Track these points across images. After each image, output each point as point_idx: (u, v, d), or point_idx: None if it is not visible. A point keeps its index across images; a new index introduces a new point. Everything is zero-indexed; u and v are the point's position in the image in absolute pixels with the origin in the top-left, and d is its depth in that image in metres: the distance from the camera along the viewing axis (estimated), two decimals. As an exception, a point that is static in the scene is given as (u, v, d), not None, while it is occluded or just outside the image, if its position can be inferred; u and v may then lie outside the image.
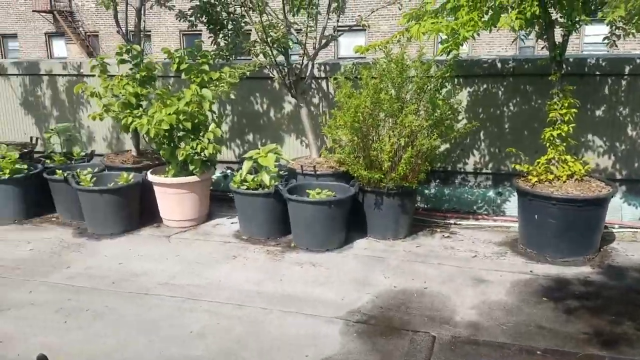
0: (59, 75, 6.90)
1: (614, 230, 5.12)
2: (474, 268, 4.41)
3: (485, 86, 5.54)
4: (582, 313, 3.69)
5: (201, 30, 5.89)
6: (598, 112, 5.26)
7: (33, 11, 23.96)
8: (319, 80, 6.05)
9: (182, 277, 4.29)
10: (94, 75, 5.70)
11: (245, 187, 5.11)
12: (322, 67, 5.98)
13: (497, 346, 3.33)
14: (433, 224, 5.43)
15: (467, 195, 5.72)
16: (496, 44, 19.67)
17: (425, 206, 5.84)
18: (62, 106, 6.98)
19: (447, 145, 5.70)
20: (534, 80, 5.33)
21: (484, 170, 5.72)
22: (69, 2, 24.14)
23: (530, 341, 3.37)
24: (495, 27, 4.11)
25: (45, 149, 6.39)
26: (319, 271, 4.41)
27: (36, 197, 5.69)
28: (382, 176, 4.88)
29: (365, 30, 20.43)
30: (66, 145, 6.46)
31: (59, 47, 25.15)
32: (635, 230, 5.11)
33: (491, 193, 5.65)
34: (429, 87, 4.91)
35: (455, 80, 5.52)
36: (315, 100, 6.11)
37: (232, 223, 5.49)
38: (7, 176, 5.46)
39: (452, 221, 5.51)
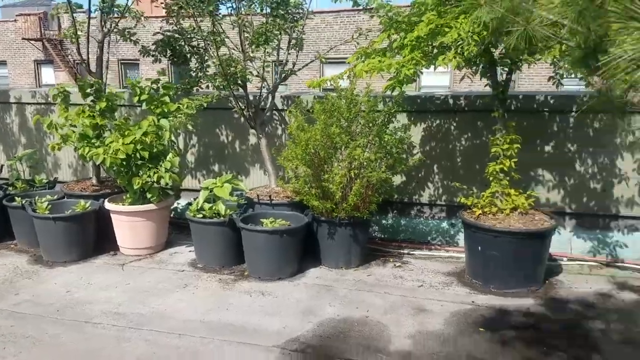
0: (28, 103, 7.01)
1: (562, 263, 5.23)
2: (418, 298, 4.49)
3: (438, 121, 5.70)
4: (517, 344, 3.77)
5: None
6: (547, 148, 5.42)
7: (22, 39, 24.23)
8: (282, 112, 6.19)
9: (128, 306, 4.32)
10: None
11: (201, 216, 5.18)
12: (286, 100, 6.13)
13: (425, 376, 3.39)
14: (387, 254, 5.53)
15: (422, 226, 5.83)
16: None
17: (383, 236, 5.94)
18: (30, 134, 7.07)
19: (404, 178, 5.84)
20: (484, 117, 5.48)
21: (438, 202, 5.84)
22: (59, 30, 24.45)
23: (459, 371, 3.43)
24: (435, 66, 4.29)
25: (11, 176, 6.44)
26: (268, 300, 4.47)
27: (-5, 224, 5.73)
28: (334, 206, 4.99)
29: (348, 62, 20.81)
30: (31, 172, 6.53)
31: (48, 74, 25.36)
32: (583, 263, 5.22)
33: (445, 224, 5.77)
34: (377, 122, 5.06)
35: (410, 115, 5.70)
36: (279, 131, 6.24)
37: (189, 251, 5.54)
38: (-35, 203, 5.51)
39: (406, 251, 5.61)
